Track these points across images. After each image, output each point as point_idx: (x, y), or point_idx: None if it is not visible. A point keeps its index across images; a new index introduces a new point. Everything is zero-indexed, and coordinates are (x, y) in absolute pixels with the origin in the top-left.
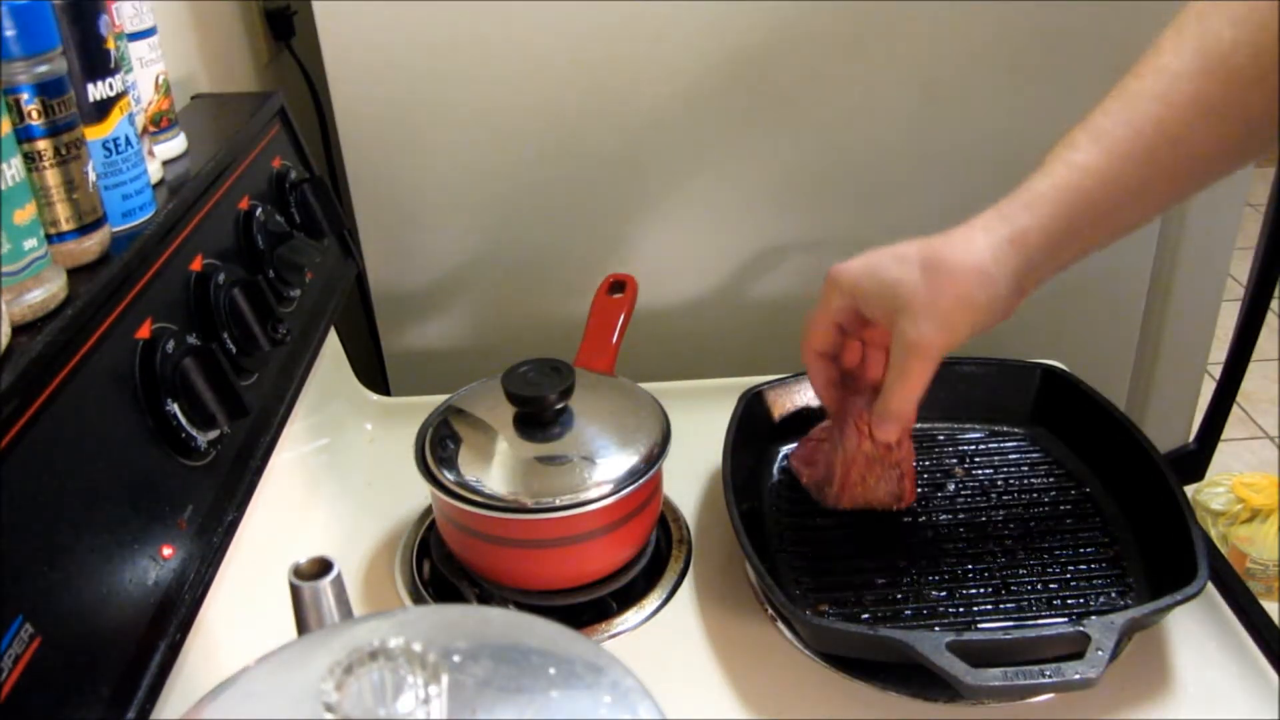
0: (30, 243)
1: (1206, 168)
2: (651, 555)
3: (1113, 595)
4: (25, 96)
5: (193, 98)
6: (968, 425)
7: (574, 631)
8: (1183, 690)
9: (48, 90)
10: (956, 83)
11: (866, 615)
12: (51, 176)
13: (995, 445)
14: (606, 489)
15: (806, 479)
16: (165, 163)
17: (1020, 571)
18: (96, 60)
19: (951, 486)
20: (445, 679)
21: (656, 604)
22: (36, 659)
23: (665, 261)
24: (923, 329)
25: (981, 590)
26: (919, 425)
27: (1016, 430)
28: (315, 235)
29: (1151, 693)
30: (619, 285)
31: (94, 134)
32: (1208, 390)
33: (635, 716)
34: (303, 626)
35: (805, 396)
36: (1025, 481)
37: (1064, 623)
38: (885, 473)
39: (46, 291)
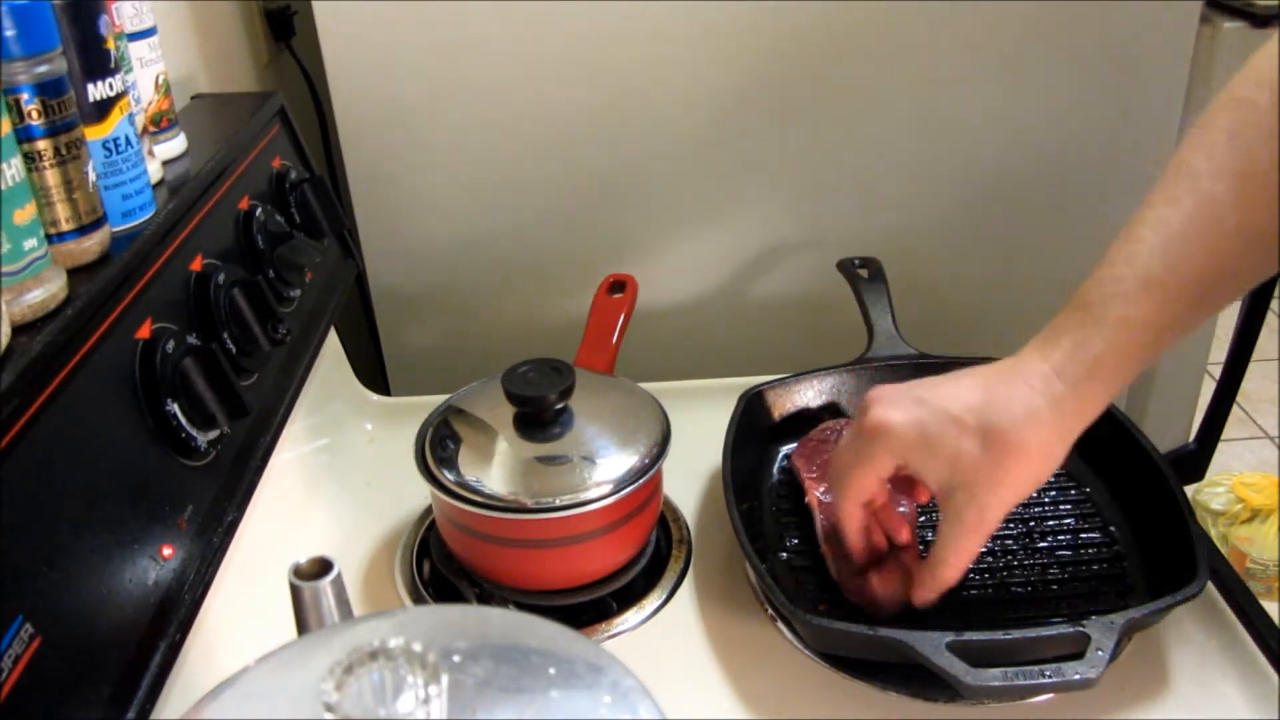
0: (30, 243)
1: (1260, 277)
2: (651, 555)
3: (1113, 595)
4: (25, 96)
5: (193, 98)
6: None
7: (574, 631)
8: (1183, 690)
9: (48, 90)
10: (958, 83)
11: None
12: (51, 176)
13: None
14: (606, 489)
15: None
16: (165, 163)
17: (1020, 571)
18: (96, 60)
19: None
20: (445, 679)
21: (656, 604)
22: (36, 659)
23: (665, 261)
24: (985, 510)
25: (981, 590)
26: None
27: None
28: (315, 235)
29: (1151, 693)
30: (619, 285)
31: (94, 134)
32: (1208, 390)
33: (635, 716)
34: (303, 626)
35: (805, 396)
36: None
37: (1064, 623)
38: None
39: (46, 291)
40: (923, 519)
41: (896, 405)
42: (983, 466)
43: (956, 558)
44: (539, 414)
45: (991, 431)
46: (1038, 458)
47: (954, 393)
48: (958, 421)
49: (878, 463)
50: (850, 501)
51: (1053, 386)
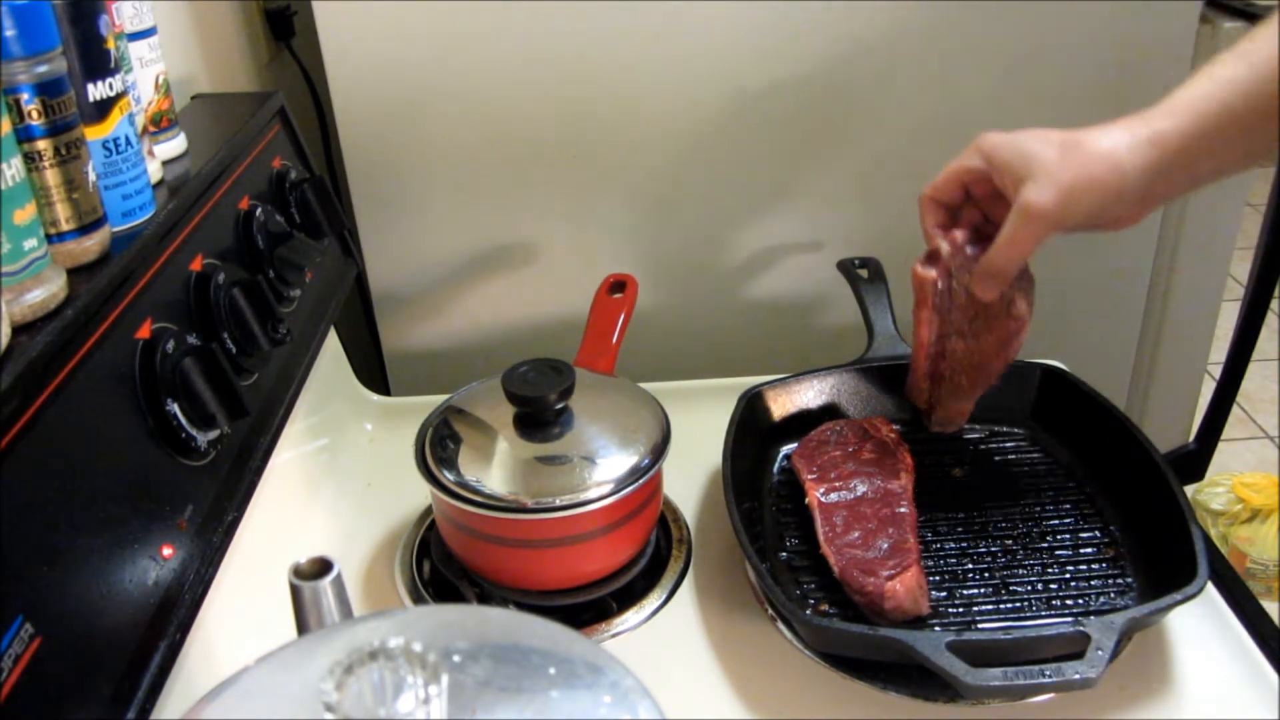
0: (30, 243)
1: None
2: (651, 555)
3: (1113, 595)
4: (25, 96)
5: (193, 98)
6: (968, 425)
7: (574, 631)
8: (1183, 690)
9: (48, 90)
10: (958, 83)
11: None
12: (51, 176)
13: (995, 445)
14: (606, 489)
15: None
16: (165, 163)
17: (1020, 571)
18: (96, 60)
19: (952, 487)
20: (445, 679)
21: (656, 604)
22: (36, 659)
23: (665, 261)
24: (1043, 194)
25: (981, 590)
26: (920, 430)
27: (1016, 430)
28: (315, 235)
29: (1151, 693)
30: (619, 285)
31: (94, 134)
32: (1208, 390)
33: (635, 716)
34: (303, 626)
35: (805, 397)
36: (1025, 481)
37: (1064, 623)
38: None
39: (46, 291)
40: (923, 519)
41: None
42: (1053, 161)
43: (1011, 247)
44: (539, 414)
45: (1070, 139)
46: (1104, 162)
47: (1052, 130)
48: (1044, 135)
49: (964, 160)
50: (928, 196)
51: (1131, 121)
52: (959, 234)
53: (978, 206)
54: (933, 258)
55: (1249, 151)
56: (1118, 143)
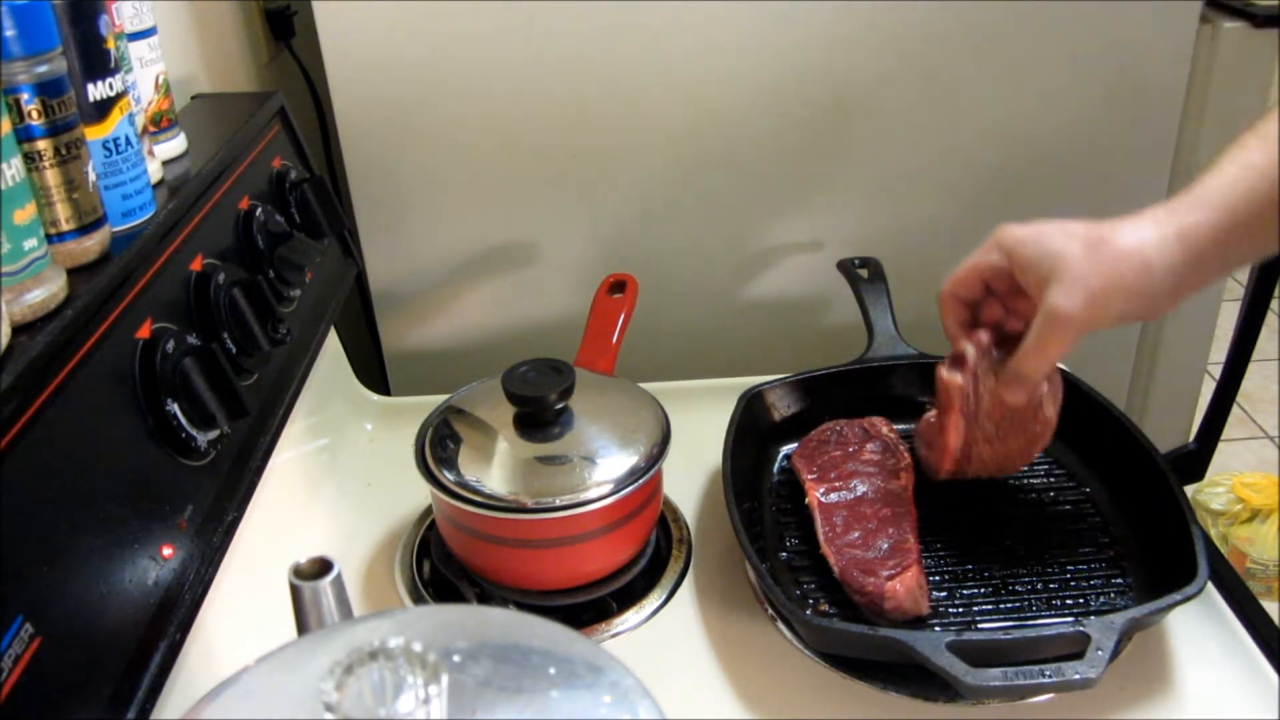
0: (30, 243)
1: None
2: (651, 555)
3: (1113, 595)
4: (25, 96)
5: (193, 98)
6: None
7: (574, 631)
8: (1183, 690)
9: (48, 90)
10: (958, 83)
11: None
12: (51, 176)
13: None
14: (606, 489)
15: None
16: (165, 163)
17: (1020, 571)
18: (96, 60)
19: (952, 486)
20: (445, 679)
21: (656, 604)
22: (36, 659)
23: (665, 261)
24: (1071, 301)
25: (981, 590)
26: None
27: None
28: (315, 235)
29: (1151, 693)
30: (619, 285)
31: (94, 134)
32: (1208, 390)
33: (635, 716)
34: (303, 626)
35: (805, 397)
36: (1025, 481)
37: (1064, 623)
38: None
39: (46, 291)
40: (923, 519)
41: (1020, 224)
42: (1078, 262)
43: (1040, 353)
44: (539, 414)
45: (1095, 237)
46: (1132, 264)
47: (1074, 222)
48: (1068, 230)
49: (985, 255)
50: (949, 292)
51: (1158, 213)
52: (984, 335)
53: (998, 299)
54: (958, 361)
55: None
56: (1145, 240)
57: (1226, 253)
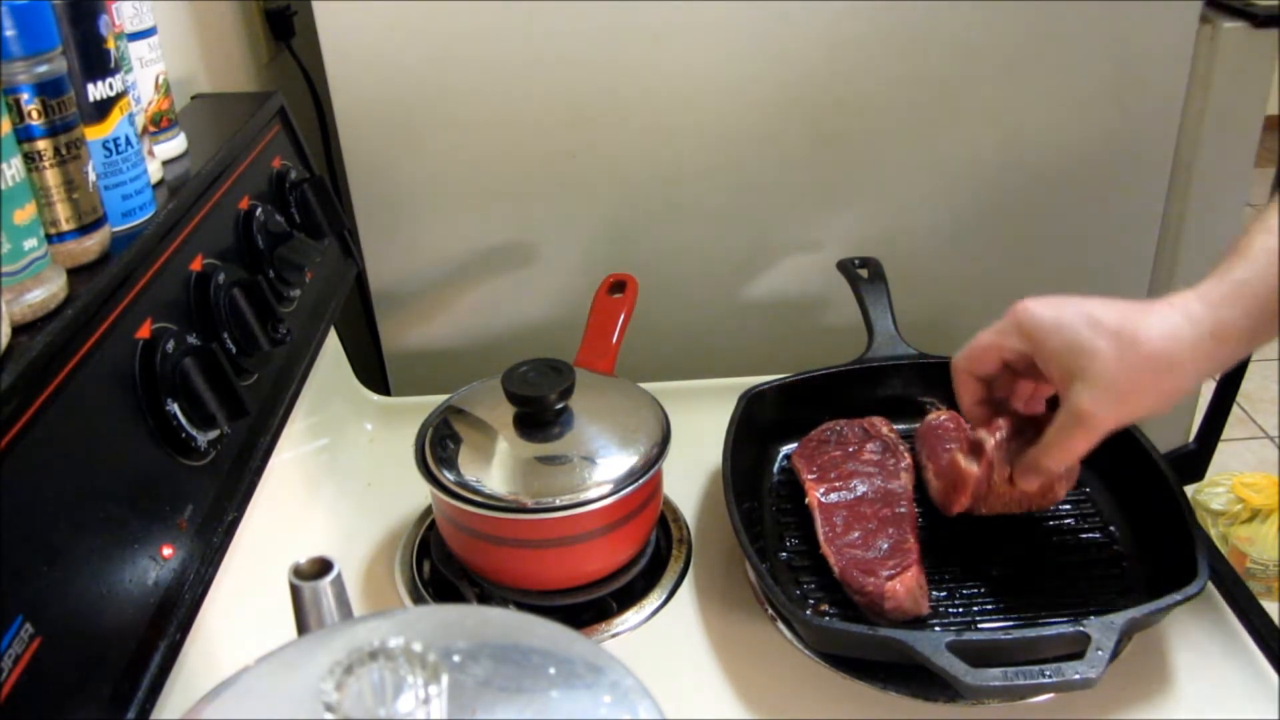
0: (30, 243)
1: None
2: (651, 555)
3: (1113, 595)
4: (25, 96)
5: (193, 98)
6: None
7: (574, 631)
8: (1183, 690)
9: (48, 90)
10: (958, 84)
11: None
12: (51, 176)
13: None
14: (606, 489)
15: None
16: (165, 163)
17: (1020, 571)
18: (96, 60)
19: None
20: (445, 679)
21: (656, 604)
22: (36, 659)
23: (665, 261)
24: (1099, 405)
25: (981, 590)
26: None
27: None
28: (315, 235)
29: (1151, 693)
30: (619, 285)
31: (94, 134)
32: (1208, 390)
33: (635, 716)
34: (303, 626)
35: (805, 397)
36: None
37: (1064, 623)
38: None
39: (46, 291)
40: (923, 519)
41: (1042, 300)
42: (1107, 363)
43: (1061, 451)
44: (539, 414)
45: (1125, 333)
46: (1164, 369)
47: (1099, 303)
48: (1094, 319)
49: (1006, 336)
50: (964, 370)
51: (1191, 306)
52: (1003, 425)
53: (1012, 372)
54: (975, 450)
55: None
56: (1179, 339)
57: (1255, 342)
